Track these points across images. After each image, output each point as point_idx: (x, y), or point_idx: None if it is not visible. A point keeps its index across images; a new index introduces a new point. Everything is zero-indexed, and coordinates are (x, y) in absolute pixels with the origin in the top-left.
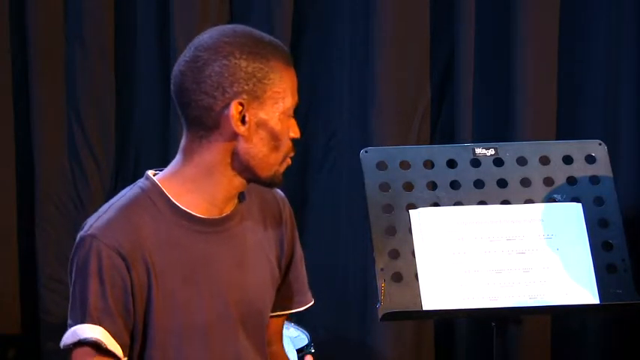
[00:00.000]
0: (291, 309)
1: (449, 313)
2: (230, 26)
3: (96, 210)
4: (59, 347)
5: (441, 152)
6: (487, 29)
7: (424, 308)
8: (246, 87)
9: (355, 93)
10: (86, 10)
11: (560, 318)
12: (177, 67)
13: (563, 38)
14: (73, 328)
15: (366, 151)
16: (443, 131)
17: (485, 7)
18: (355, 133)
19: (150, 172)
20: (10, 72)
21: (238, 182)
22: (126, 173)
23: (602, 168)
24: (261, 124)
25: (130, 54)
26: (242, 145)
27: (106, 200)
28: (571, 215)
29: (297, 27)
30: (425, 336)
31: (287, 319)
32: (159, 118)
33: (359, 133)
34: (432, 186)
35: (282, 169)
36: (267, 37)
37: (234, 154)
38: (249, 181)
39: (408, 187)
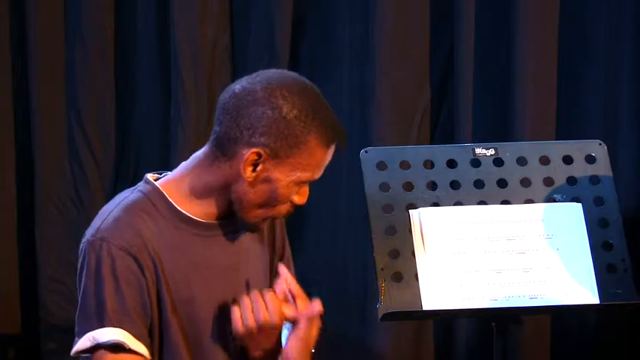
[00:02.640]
0: None
1: (449, 313)
2: (302, 80)
3: (95, 214)
4: (59, 347)
5: (441, 152)
6: (487, 29)
7: (424, 308)
8: (272, 144)
9: (355, 93)
10: (86, 10)
11: (560, 318)
12: (235, 84)
13: (563, 38)
14: (90, 334)
15: (366, 151)
16: (443, 131)
17: (486, 6)
18: (355, 133)
19: (150, 176)
20: (10, 72)
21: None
22: (126, 173)
23: (602, 168)
24: (268, 180)
25: (130, 54)
26: (241, 186)
27: (107, 200)
28: (571, 215)
29: (298, 27)
30: (425, 336)
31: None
32: (159, 118)
33: (359, 133)
34: (432, 186)
35: (263, 223)
36: (330, 113)
37: (232, 188)
38: None
39: (408, 187)
